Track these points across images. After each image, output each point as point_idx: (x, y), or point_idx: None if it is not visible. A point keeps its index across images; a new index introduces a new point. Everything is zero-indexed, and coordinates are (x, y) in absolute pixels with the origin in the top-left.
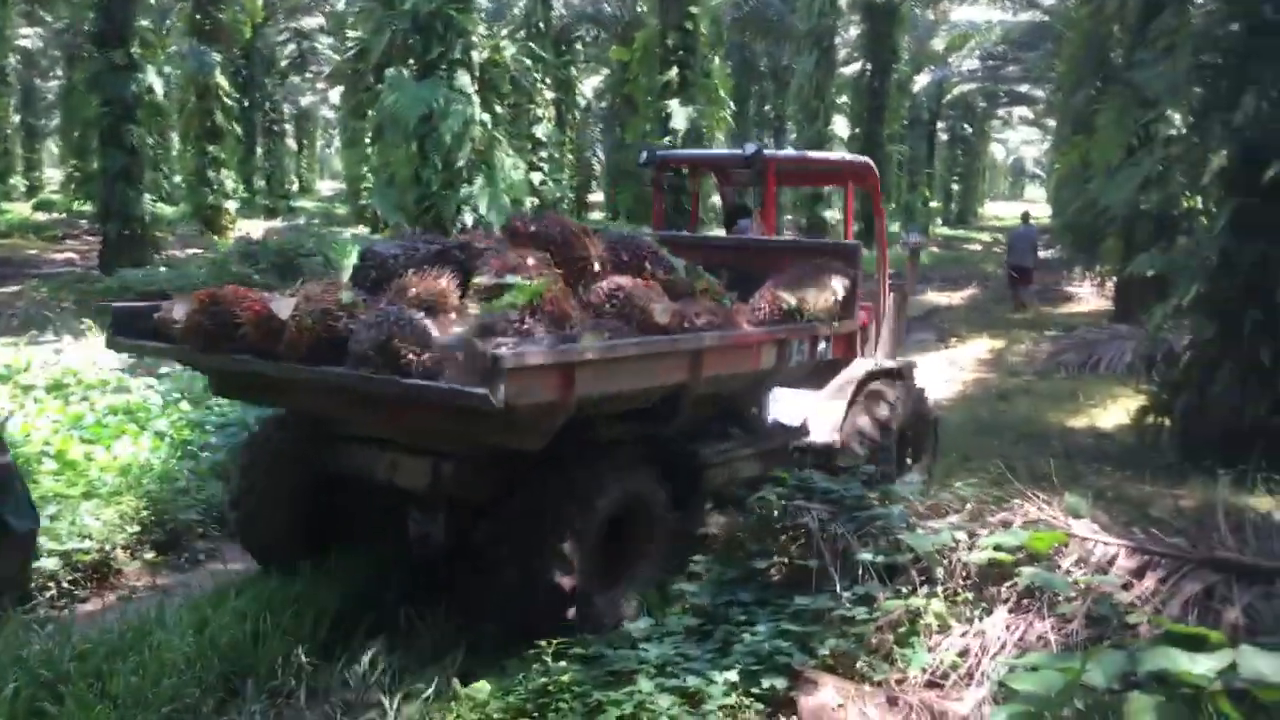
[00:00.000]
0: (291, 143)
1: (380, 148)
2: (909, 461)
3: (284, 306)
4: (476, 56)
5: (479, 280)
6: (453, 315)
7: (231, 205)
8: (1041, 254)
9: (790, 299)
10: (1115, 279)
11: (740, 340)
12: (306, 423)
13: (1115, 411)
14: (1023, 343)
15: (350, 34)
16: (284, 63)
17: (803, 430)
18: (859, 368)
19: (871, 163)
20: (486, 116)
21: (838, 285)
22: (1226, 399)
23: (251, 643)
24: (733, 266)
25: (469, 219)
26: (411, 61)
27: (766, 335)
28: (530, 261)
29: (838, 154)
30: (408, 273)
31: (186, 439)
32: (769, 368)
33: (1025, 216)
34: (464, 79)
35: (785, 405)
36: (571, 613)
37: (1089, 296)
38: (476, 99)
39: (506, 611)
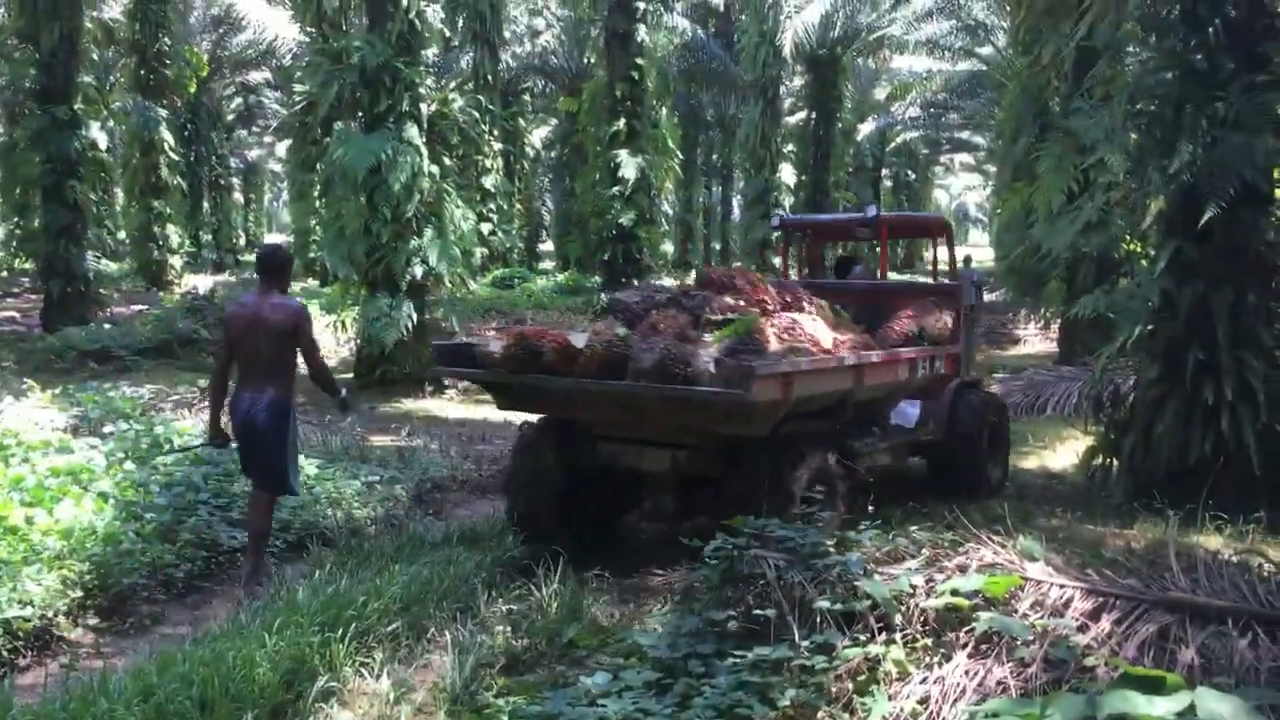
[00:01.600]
0: (239, 197)
1: (329, 201)
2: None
3: (579, 339)
4: (425, 109)
5: (710, 317)
6: (693, 344)
7: (177, 261)
8: (986, 297)
9: (915, 327)
10: (1060, 321)
11: (890, 358)
12: (566, 428)
13: (1064, 453)
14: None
15: (297, 88)
16: (230, 117)
17: (918, 430)
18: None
19: (946, 219)
20: (435, 168)
21: (946, 316)
22: (1171, 439)
23: (198, 711)
24: (856, 305)
25: (419, 271)
26: (360, 115)
27: (908, 354)
28: (741, 303)
29: (924, 213)
30: (650, 314)
31: (131, 500)
32: (904, 380)
33: (967, 260)
34: (412, 131)
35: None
36: None
37: (1034, 339)
38: (425, 151)
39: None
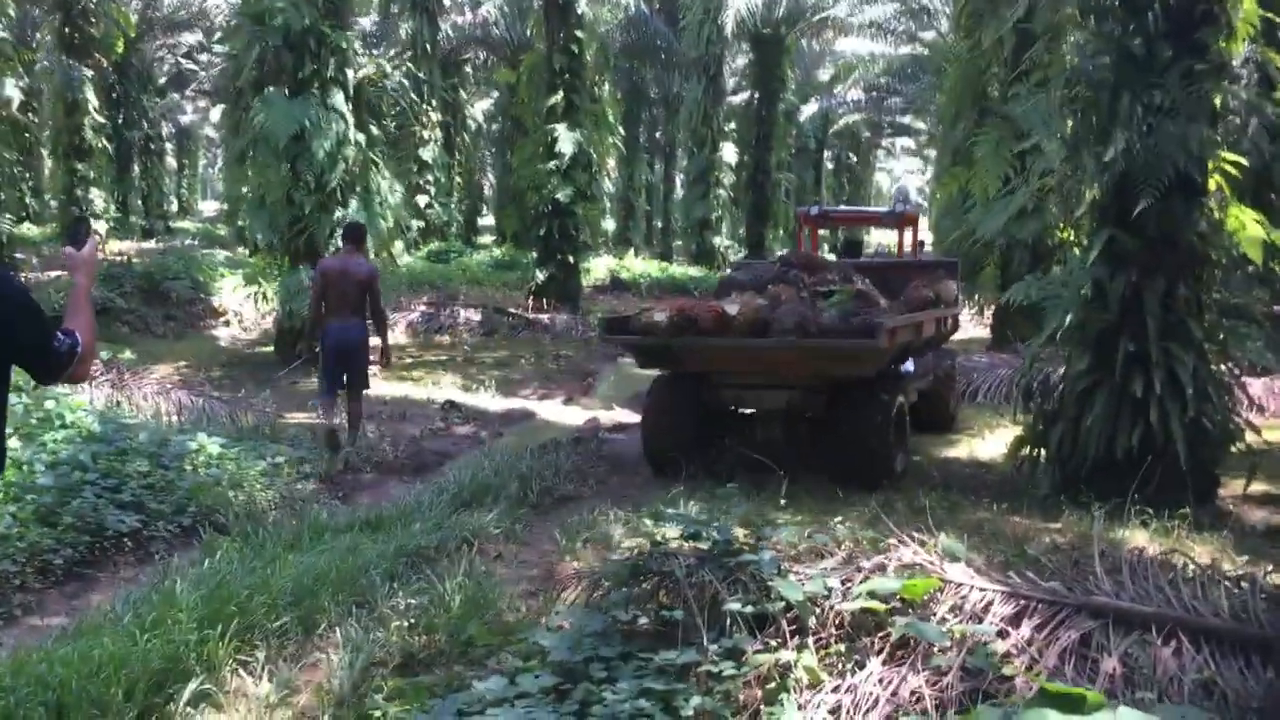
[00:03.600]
0: (172, 162)
1: (252, 168)
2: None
3: (731, 307)
4: (352, 75)
5: (819, 288)
6: (814, 309)
7: (102, 226)
8: None
9: (930, 293)
10: (993, 307)
11: (934, 317)
12: (692, 379)
13: (994, 441)
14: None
15: (217, 48)
16: (162, 80)
17: (919, 377)
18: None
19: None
20: (361, 137)
21: (952, 285)
22: (1099, 431)
23: (54, 718)
24: (876, 277)
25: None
26: (284, 79)
27: (941, 314)
28: (835, 276)
29: (909, 207)
30: (766, 287)
31: (10, 481)
32: (937, 334)
33: (921, 244)
34: (338, 98)
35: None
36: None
37: (968, 324)
38: (351, 118)
39: (849, 471)
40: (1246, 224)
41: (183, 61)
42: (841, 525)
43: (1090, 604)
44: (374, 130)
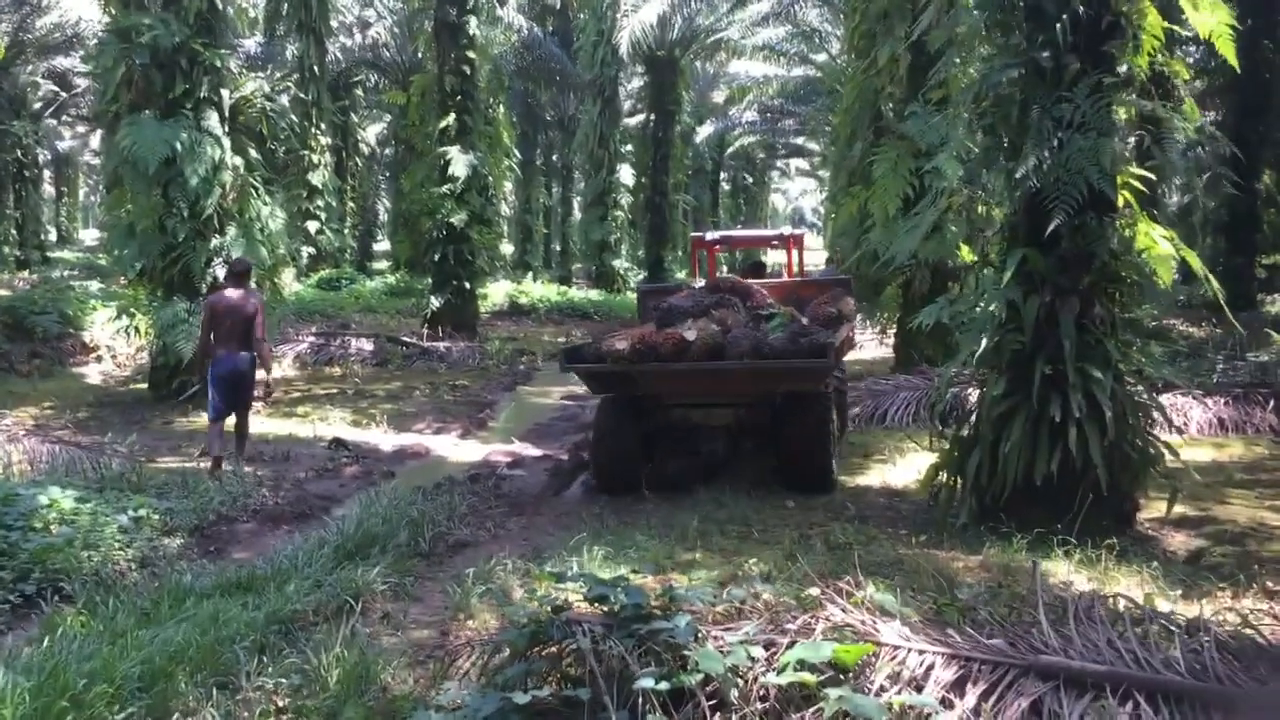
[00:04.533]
0: (50, 189)
1: (117, 195)
2: None
3: (689, 334)
4: (227, 95)
5: (758, 311)
6: (760, 332)
7: None
8: None
9: (833, 309)
10: (896, 328)
11: (850, 332)
12: (639, 401)
13: (905, 468)
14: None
15: (79, 68)
16: (37, 105)
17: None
18: None
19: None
20: (239, 160)
21: (850, 301)
22: (1018, 457)
23: None
24: (780, 295)
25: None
26: (154, 101)
27: (852, 330)
28: (771, 300)
29: (797, 230)
30: (709, 312)
31: None
32: (848, 347)
33: (829, 260)
34: (212, 119)
35: None
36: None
37: (869, 344)
38: (227, 141)
39: (797, 478)
40: (1156, 241)
41: (57, 86)
42: (759, 576)
43: (1038, 664)
44: (253, 153)
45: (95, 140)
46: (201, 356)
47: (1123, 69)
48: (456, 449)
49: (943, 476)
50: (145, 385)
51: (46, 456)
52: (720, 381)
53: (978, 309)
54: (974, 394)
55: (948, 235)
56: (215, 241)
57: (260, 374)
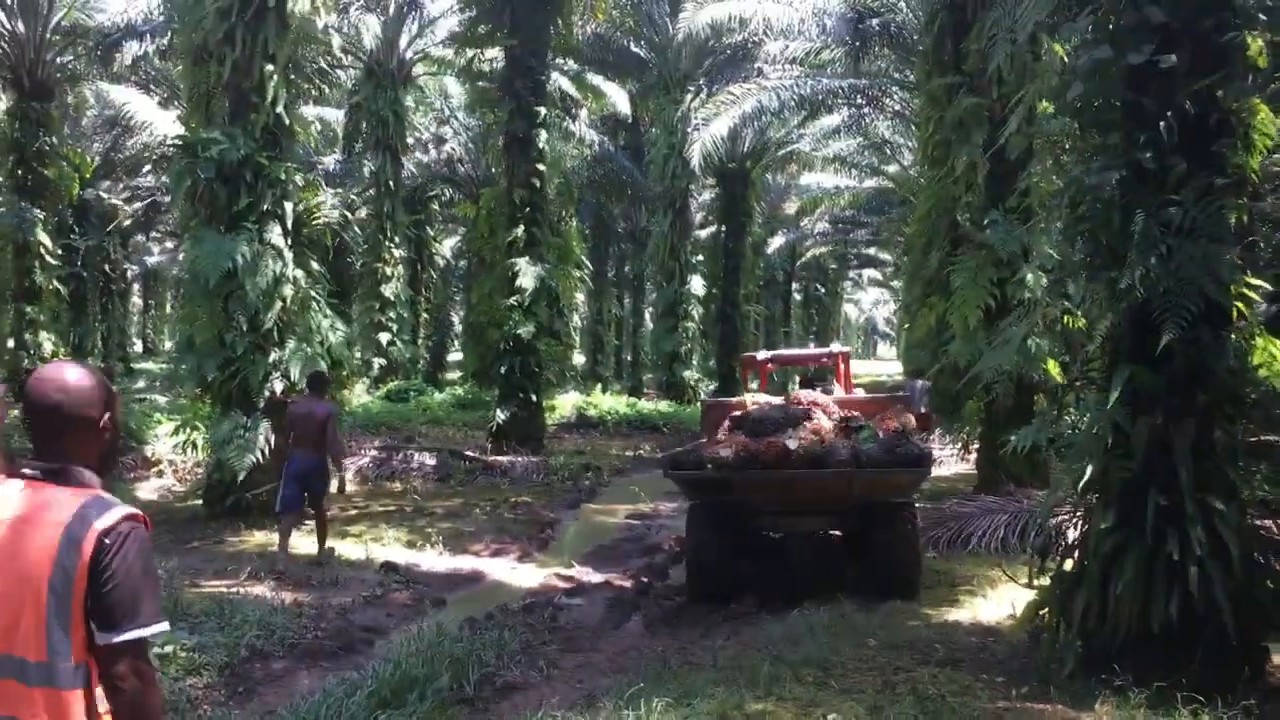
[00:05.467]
0: (138, 302)
1: (183, 309)
2: None
3: (791, 443)
4: (290, 208)
5: (848, 424)
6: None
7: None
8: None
9: (899, 423)
10: (978, 444)
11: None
12: (728, 510)
13: (997, 600)
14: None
15: (141, 183)
16: (127, 222)
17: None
18: None
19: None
20: (300, 273)
21: (910, 416)
22: (1131, 599)
23: None
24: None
25: (279, 386)
26: (218, 214)
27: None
28: (855, 413)
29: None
30: (799, 424)
31: None
32: None
33: (919, 373)
34: (275, 232)
35: None
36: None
37: (949, 460)
38: (290, 254)
39: (886, 585)
40: (1278, 355)
41: (146, 202)
42: None
43: None
44: (315, 265)
45: (182, 255)
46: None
47: (1234, 171)
48: (513, 573)
49: (1044, 617)
50: (201, 501)
51: None
52: (818, 490)
53: (1080, 432)
54: (1071, 522)
55: (1032, 348)
56: (274, 355)
57: (335, 475)
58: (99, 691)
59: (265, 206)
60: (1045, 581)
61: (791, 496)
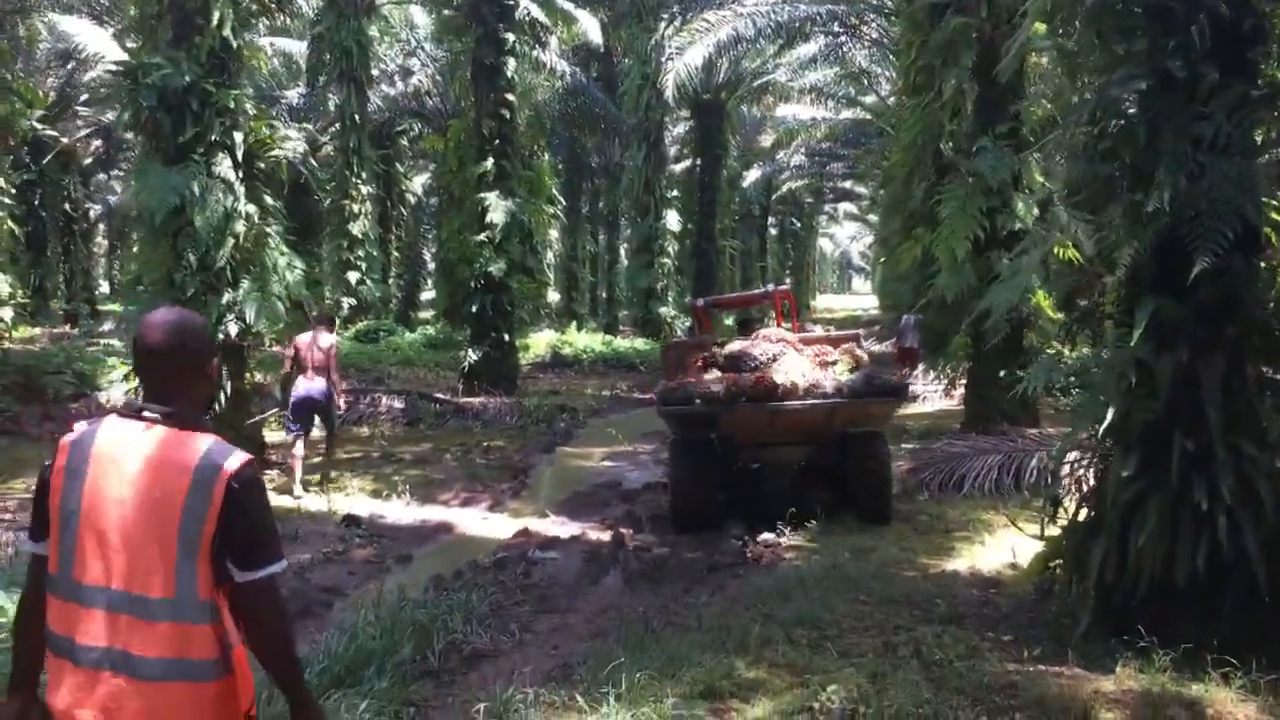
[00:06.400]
0: (104, 243)
1: (135, 247)
2: None
3: (780, 377)
4: (241, 139)
5: (821, 358)
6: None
7: (6, 313)
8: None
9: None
10: (965, 380)
11: None
12: (713, 442)
13: (995, 548)
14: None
15: (82, 111)
16: (88, 160)
17: None
18: None
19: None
20: (253, 208)
21: (861, 351)
22: (1154, 550)
23: None
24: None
25: (233, 329)
26: (163, 145)
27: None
28: (829, 347)
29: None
30: (775, 360)
31: None
32: None
33: (910, 307)
34: (225, 164)
35: None
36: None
37: (933, 396)
38: (241, 188)
39: (865, 511)
40: None
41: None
42: (842, 710)
43: None
44: (270, 200)
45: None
46: (284, 386)
47: (1264, 82)
48: (485, 524)
49: (1054, 569)
50: None
51: (12, 544)
52: (801, 422)
53: (1099, 370)
54: (1084, 466)
55: (1020, 279)
56: (227, 296)
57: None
58: (229, 625)
59: (213, 137)
60: (1055, 531)
61: (776, 429)
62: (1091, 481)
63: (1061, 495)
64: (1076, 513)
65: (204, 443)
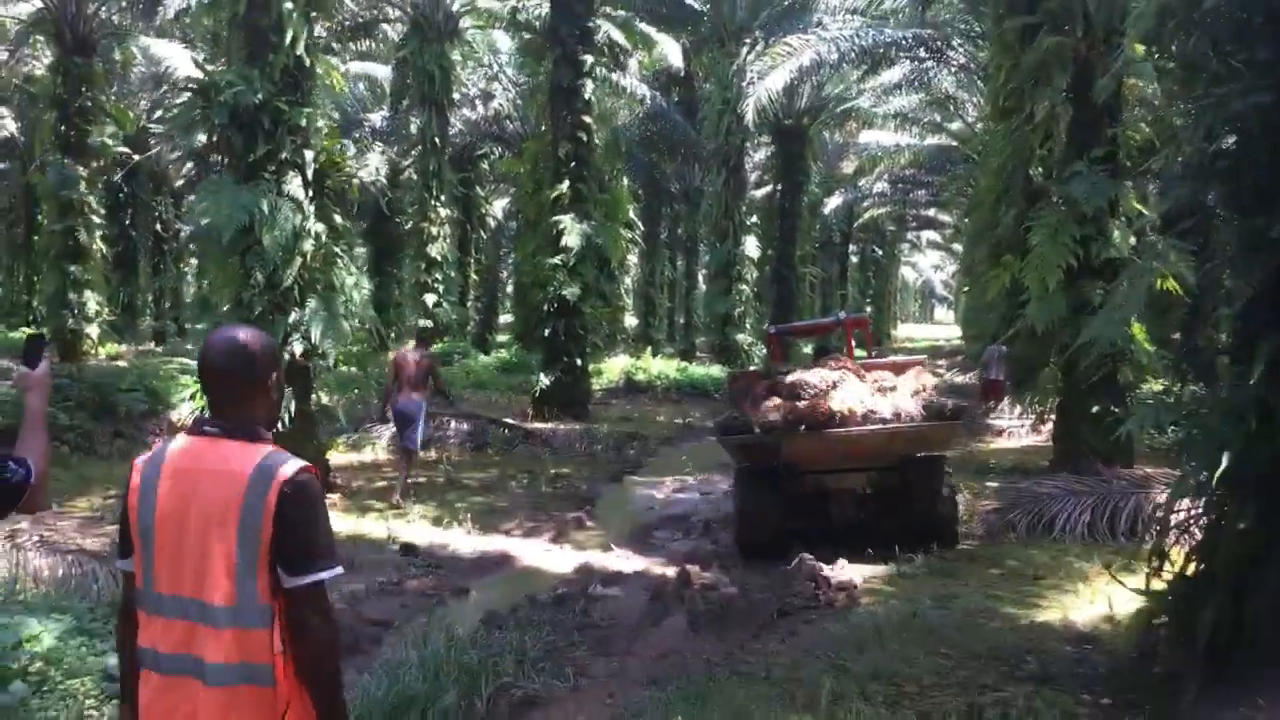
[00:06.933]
0: (195, 262)
1: (202, 267)
2: None
3: (835, 404)
4: (311, 157)
5: (878, 385)
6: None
7: (94, 330)
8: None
9: (919, 385)
10: (1055, 416)
11: None
12: (775, 470)
13: (1088, 598)
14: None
15: (154, 129)
16: (180, 182)
17: None
18: None
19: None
20: (321, 227)
21: (929, 377)
22: (1274, 612)
23: None
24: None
25: (298, 349)
26: (234, 163)
27: None
28: (890, 374)
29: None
30: (835, 388)
31: None
32: None
33: (994, 338)
34: (294, 183)
35: None
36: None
37: (1019, 430)
38: (310, 207)
39: (927, 536)
40: None
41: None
42: None
43: None
44: (338, 219)
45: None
46: (384, 401)
47: None
48: (546, 556)
49: (1158, 629)
50: None
51: (48, 570)
52: (861, 447)
53: (1215, 413)
54: (1192, 515)
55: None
56: (294, 315)
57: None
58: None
59: (284, 155)
60: (1160, 585)
61: (836, 455)
62: (1200, 533)
63: (1168, 547)
64: (1185, 566)
65: (261, 452)
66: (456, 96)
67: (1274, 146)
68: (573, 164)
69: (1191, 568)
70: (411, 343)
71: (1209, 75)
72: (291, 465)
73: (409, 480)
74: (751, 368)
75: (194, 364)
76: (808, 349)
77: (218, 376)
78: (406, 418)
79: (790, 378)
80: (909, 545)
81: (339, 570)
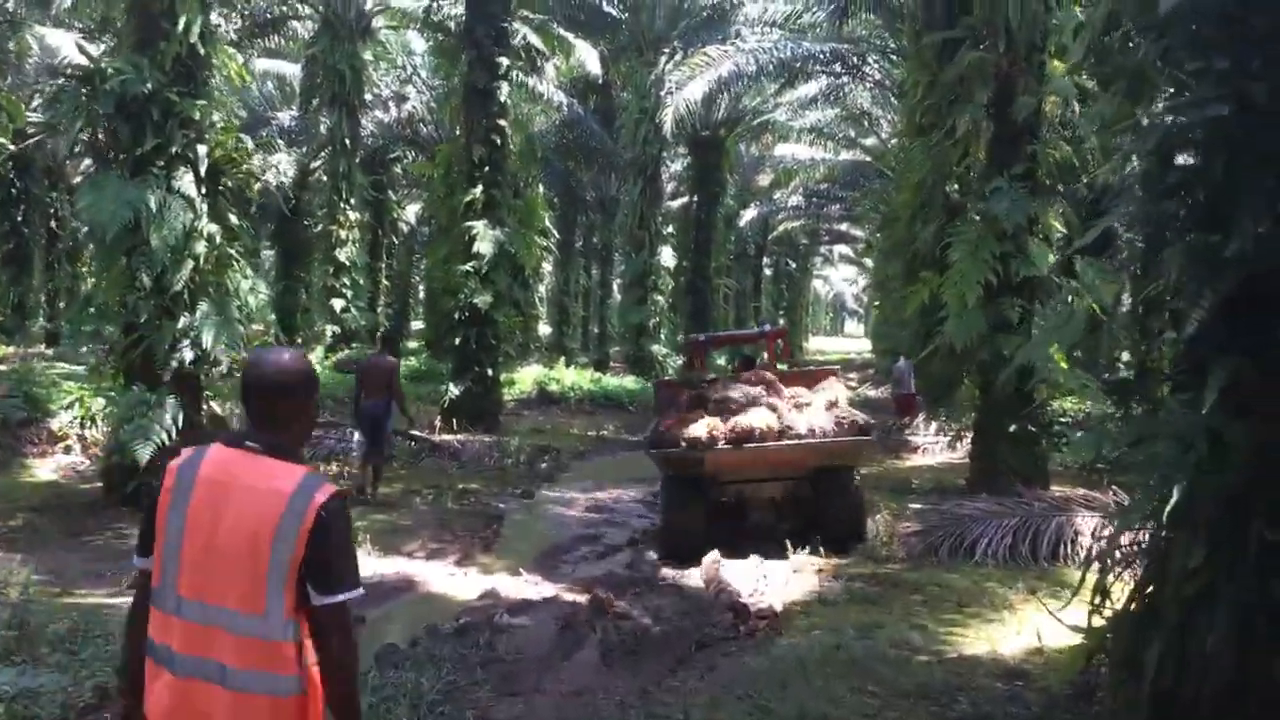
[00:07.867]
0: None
1: (93, 266)
2: None
3: (757, 422)
4: (204, 152)
5: (796, 401)
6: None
7: None
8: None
9: (833, 397)
10: (973, 434)
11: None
12: (699, 481)
13: (1015, 627)
14: (877, 511)
15: (32, 118)
16: (77, 178)
17: None
18: None
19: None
20: (215, 227)
21: (841, 387)
22: (1224, 654)
23: None
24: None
25: (188, 355)
26: (122, 157)
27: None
28: (802, 389)
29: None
30: (756, 403)
31: None
32: None
33: (901, 354)
34: (186, 180)
35: None
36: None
37: (933, 447)
38: (203, 205)
39: (839, 538)
40: None
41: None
42: None
43: None
44: (233, 219)
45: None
46: (355, 404)
47: None
48: (450, 580)
49: (1097, 666)
50: (101, 485)
51: None
52: (779, 460)
53: (1163, 443)
54: (1133, 548)
55: (1034, 329)
56: (183, 320)
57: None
58: (307, 644)
59: (175, 149)
60: (1100, 622)
61: (755, 467)
62: (1141, 569)
63: (1108, 586)
64: (1128, 604)
65: (300, 473)
66: (369, 97)
67: (1230, 161)
68: (486, 169)
69: (1135, 604)
70: (373, 354)
71: (1159, 87)
72: (327, 489)
73: (376, 491)
74: (674, 377)
75: (79, 369)
76: (721, 359)
77: (264, 397)
78: (372, 419)
79: (716, 393)
80: (823, 545)
81: (361, 592)
